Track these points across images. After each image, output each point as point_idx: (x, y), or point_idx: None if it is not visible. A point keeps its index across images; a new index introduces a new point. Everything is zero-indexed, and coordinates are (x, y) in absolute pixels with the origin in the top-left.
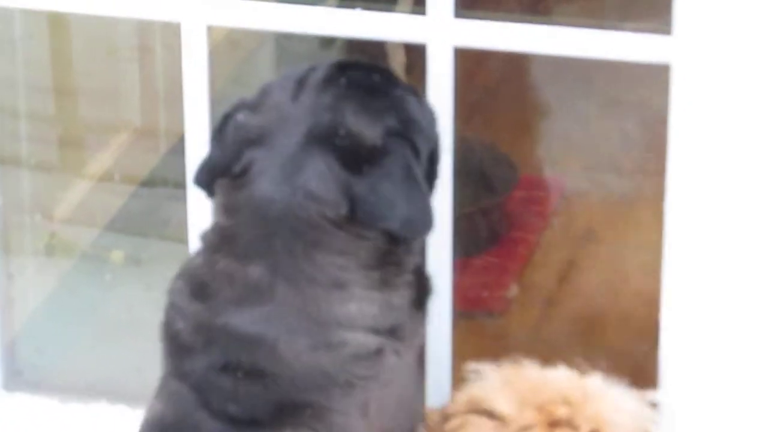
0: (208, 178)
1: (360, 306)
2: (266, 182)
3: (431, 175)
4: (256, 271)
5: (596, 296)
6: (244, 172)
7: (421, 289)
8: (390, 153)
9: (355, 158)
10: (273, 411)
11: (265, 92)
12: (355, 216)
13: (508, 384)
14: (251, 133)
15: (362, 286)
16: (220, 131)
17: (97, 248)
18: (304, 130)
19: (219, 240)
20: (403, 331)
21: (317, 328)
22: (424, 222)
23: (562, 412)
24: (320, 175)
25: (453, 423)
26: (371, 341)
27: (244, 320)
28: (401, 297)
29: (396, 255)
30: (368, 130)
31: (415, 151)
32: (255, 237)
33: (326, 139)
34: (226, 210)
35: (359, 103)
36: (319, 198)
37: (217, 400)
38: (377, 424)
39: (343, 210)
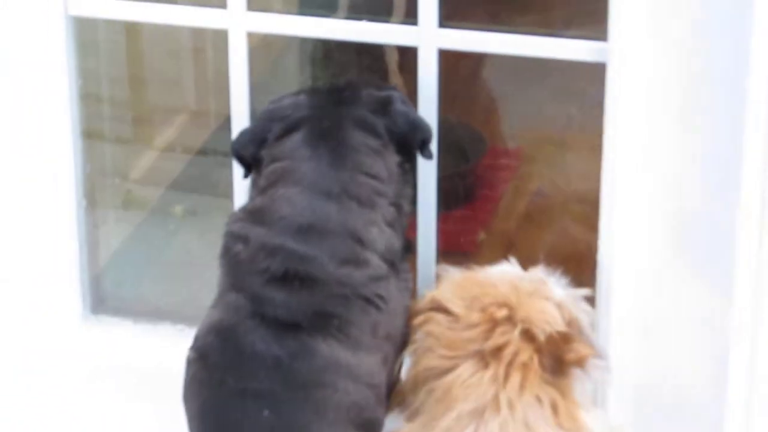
0: (254, 148)
1: (379, 232)
2: (312, 129)
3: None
4: (301, 190)
5: (544, 238)
6: (289, 129)
7: (410, 244)
8: (396, 99)
9: (376, 108)
10: (311, 318)
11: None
12: (389, 143)
13: (461, 287)
14: (287, 110)
15: (383, 217)
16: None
17: (163, 203)
18: (336, 98)
19: (276, 177)
20: (397, 269)
21: (350, 242)
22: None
23: (501, 314)
24: (357, 118)
25: (419, 318)
26: (382, 267)
27: (293, 238)
28: (398, 240)
29: (404, 196)
30: (378, 92)
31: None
32: (317, 141)
33: (353, 100)
34: (275, 159)
35: (368, 83)
36: (363, 126)
37: (269, 308)
38: (379, 349)
39: (383, 138)
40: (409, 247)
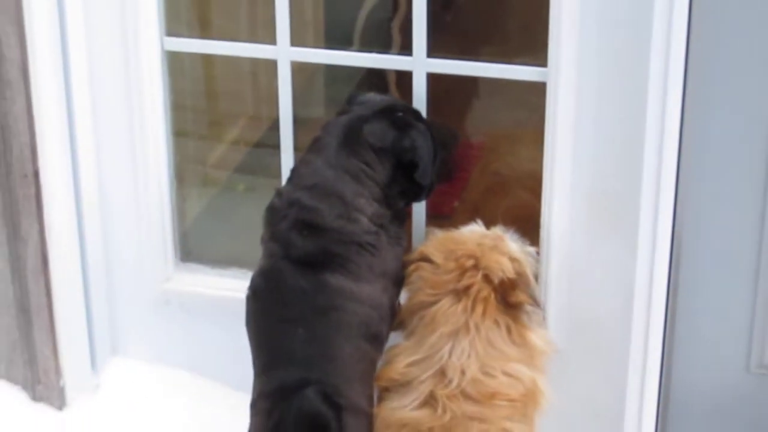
0: None
1: (366, 202)
2: (349, 120)
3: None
4: (320, 159)
5: (501, 205)
6: (340, 114)
7: (401, 215)
8: (415, 133)
9: (397, 128)
10: (321, 256)
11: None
12: (389, 152)
13: (441, 243)
14: (356, 99)
15: (370, 193)
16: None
17: (230, 183)
18: (380, 109)
19: (311, 145)
20: (387, 229)
21: (344, 205)
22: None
23: (469, 263)
24: (377, 128)
25: (412, 266)
26: (372, 226)
27: (307, 193)
28: (387, 212)
29: (392, 191)
30: (407, 120)
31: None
32: (329, 140)
33: (387, 115)
34: (321, 130)
35: (410, 112)
36: (377, 133)
37: (293, 250)
38: (378, 282)
39: (388, 142)
40: (402, 219)
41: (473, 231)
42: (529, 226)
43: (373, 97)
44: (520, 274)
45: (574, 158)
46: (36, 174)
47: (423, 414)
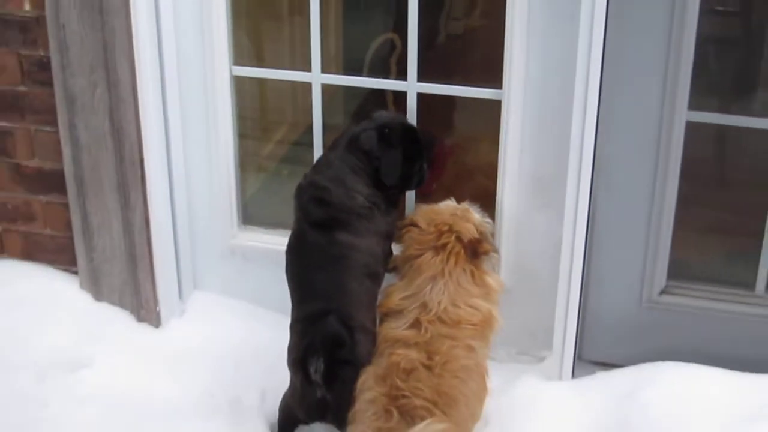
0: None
1: (362, 187)
2: (356, 131)
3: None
4: (332, 154)
5: (467, 187)
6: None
7: (393, 197)
8: (394, 147)
9: (384, 141)
10: (330, 221)
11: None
12: (375, 160)
13: (425, 213)
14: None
15: (365, 182)
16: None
17: (277, 169)
18: (380, 128)
19: (328, 147)
20: (380, 207)
21: (345, 188)
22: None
23: (445, 228)
24: (369, 136)
25: (404, 230)
26: (366, 203)
27: (322, 177)
28: (380, 195)
29: (380, 182)
30: (392, 138)
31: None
32: (339, 142)
33: (380, 134)
34: (337, 137)
35: (403, 128)
36: (366, 139)
37: (311, 216)
38: (373, 238)
39: (374, 152)
40: (393, 199)
41: (448, 205)
42: (487, 202)
43: (382, 114)
44: (482, 234)
45: (521, 153)
46: (141, 162)
47: (411, 333)
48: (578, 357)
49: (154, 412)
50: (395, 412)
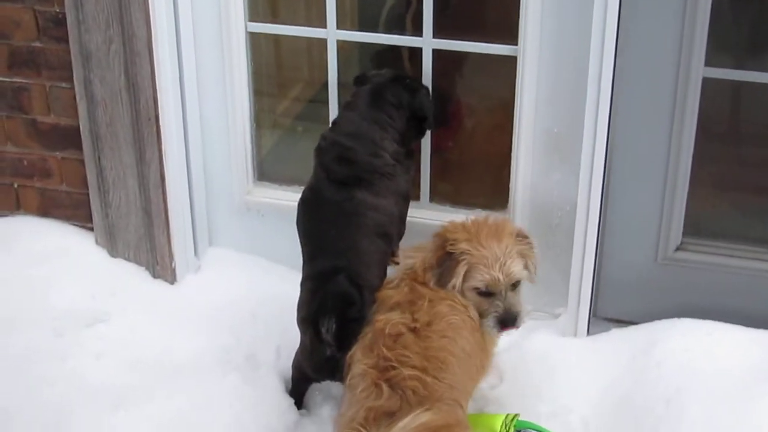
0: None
1: (389, 143)
2: (373, 87)
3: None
4: (355, 114)
5: (480, 142)
6: (364, 82)
7: (411, 152)
8: (422, 93)
9: (409, 91)
10: (353, 179)
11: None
12: (406, 108)
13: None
14: (373, 75)
15: (392, 137)
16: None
17: (292, 126)
18: (395, 78)
19: (346, 105)
20: (402, 163)
21: (374, 145)
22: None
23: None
24: (395, 91)
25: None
26: (391, 160)
27: (347, 137)
28: (403, 150)
29: (405, 136)
30: (414, 85)
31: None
32: (360, 101)
33: (400, 82)
34: (352, 95)
35: (415, 81)
36: (395, 93)
37: (332, 174)
38: (392, 198)
39: (404, 101)
40: (412, 154)
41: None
42: (501, 160)
43: (381, 72)
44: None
45: (536, 110)
46: (157, 118)
47: (392, 292)
48: (593, 314)
49: (170, 367)
50: (385, 387)
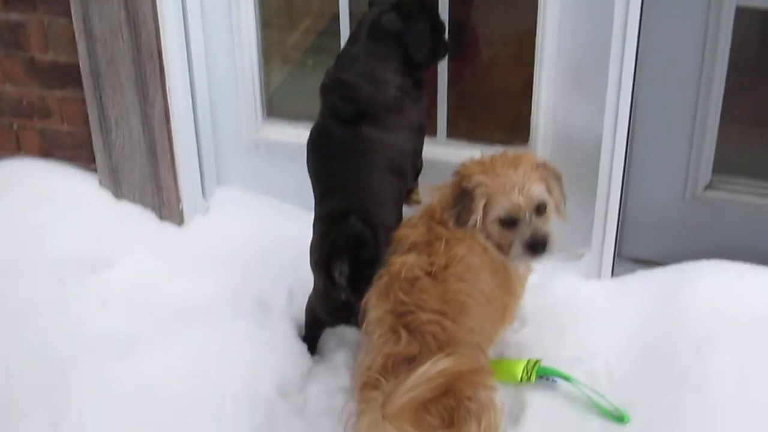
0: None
1: (392, 75)
2: (374, 15)
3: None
4: (355, 48)
5: (499, 74)
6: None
7: (420, 82)
8: (417, 21)
9: (406, 18)
10: (358, 116)
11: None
12: (399, 36)
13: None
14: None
15: (395, 68)
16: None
17: (302, 60)
18: (399, 5)
19: (349, 37)
20: (410, 94)
21: (376, 81)
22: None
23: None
24: (390, 18)
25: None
26: (397, 93)
27: (349, 73)
28: (410, 81)
29: (408, 66)
30: (411, 9)
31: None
32: (360, 33)
33: (397, 6)
34: (355, 29)
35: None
36: (388, 22)
37: (338, 112)
38: (403, 132)
39: (396, 29)
40: (421, 84)
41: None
42: (521, 93)
43: (381, 1)
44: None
45: (558, 39)
46: (160, 53)
47: (408, 231)
48: (618, 254)
49: (179, 312)
50: (403, 333)
